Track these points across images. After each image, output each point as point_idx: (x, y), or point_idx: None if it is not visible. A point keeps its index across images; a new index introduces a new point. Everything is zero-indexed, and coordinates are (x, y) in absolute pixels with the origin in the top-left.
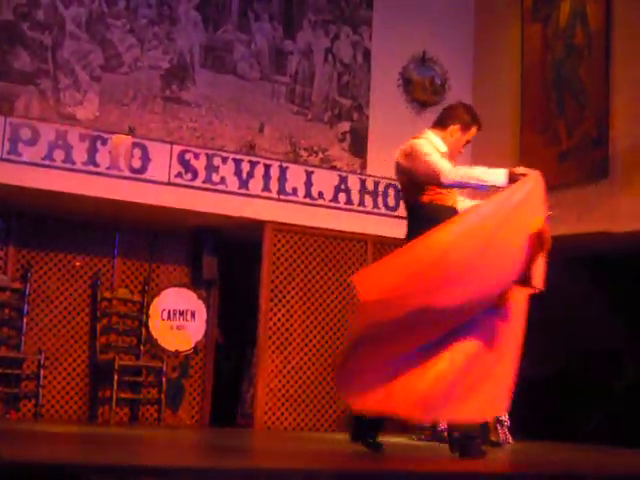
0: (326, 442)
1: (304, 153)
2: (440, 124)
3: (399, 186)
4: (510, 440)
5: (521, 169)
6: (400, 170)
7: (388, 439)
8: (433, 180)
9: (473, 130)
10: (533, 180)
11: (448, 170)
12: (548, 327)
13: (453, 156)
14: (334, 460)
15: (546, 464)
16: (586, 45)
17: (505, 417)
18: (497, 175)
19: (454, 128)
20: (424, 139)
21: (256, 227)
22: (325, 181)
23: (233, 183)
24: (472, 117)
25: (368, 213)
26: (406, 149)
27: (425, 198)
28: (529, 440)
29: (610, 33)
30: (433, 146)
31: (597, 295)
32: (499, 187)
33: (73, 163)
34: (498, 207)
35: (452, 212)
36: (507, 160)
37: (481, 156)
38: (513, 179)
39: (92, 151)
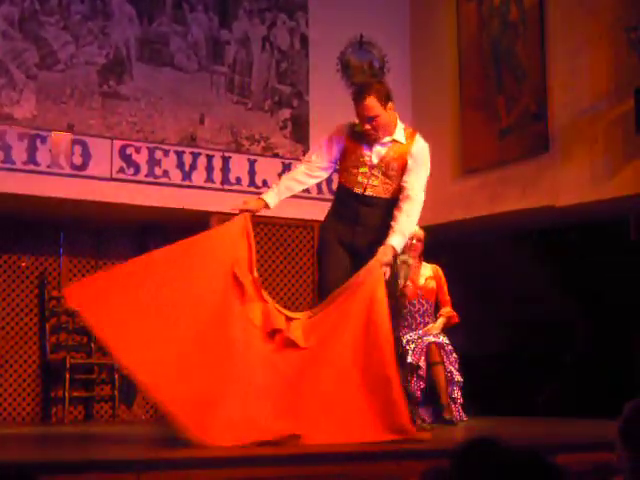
0: None
1: (246, 142)
2: None
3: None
4: (464, 417)
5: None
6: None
7: None
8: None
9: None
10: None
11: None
12: (496, 302)
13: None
14: (285, 446)
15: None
16: (521, 21)
17: (458, 394)
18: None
19: None
20: None
21: (202, 218)
22: (268, 169)
23: (176, 176)
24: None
25: (313, 199)
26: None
27: (340, 178)
28: (482, 416)
29: (544, 8)
30: None
31: (544, 269)
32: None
33: (13, 163)
34: None
35: (353, 197)
36: (449, 138)
37: (423, 135)
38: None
39: (32, 150)
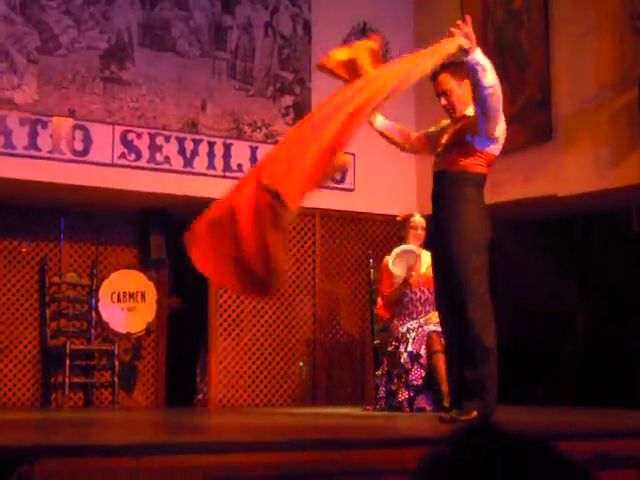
0: (280, 416)
1: (248, 129)
2: None
3: None
4: None
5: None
6: None
7: (341, 410)
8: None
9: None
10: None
11: None
12: (497, 293)
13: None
14: (285, 432)
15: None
16: (525, 10)
17: None
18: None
19: None
20: None
21: (203, 205)
22: None
23: (177, 162)
24: None
25: None
26: None
27: None
28: None
29: None
30: None
31: (546, 259)
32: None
33: (14, 148)
34: None
35: (433, 180)
36: None
37: (425, 124)
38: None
39: (33, 135)
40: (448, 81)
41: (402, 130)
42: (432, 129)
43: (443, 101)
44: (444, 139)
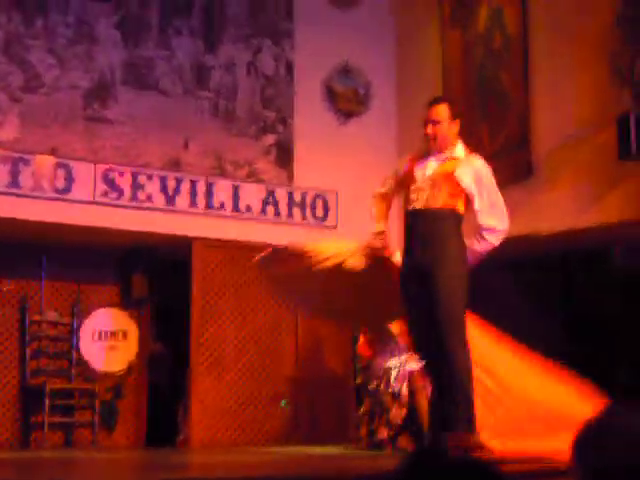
0: (259, 454)
1: (230, 167)
2: None
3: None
4: None
5: None
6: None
7: (321, 449)
8: (496, 220)
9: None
10: None
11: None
12: None
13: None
14: (265, 468)
15: None
16: (505, 49)
17: None
18: None
19: None
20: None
21: (185, 243)
22: (252, 195)
23: (159, 200)
24: None
25: (297, 225)
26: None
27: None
28: None
29: (527, 36)
30: None
31: (527, 298)
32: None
33: None
34: None
35: (408, 216)
36: None
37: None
38: None
39: (15, 173)
40: (443, 112)
41: (389, 200)
42: (395, 173)
43: (430, 129)
44: (425, 176)
